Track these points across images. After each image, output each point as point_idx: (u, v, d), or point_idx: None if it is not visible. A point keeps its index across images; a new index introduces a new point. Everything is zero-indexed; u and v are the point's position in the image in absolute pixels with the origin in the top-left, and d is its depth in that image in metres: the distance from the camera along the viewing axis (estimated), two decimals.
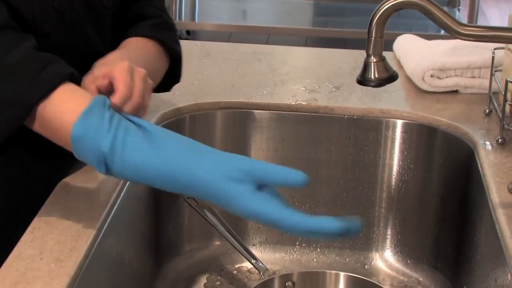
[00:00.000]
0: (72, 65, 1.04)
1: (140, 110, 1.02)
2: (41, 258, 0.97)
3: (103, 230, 1.06)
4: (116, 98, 1.00)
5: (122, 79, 1.01)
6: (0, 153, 1.02)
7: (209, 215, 1.35)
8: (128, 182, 1.16)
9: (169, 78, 1.26)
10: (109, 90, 1.02)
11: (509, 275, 1.02)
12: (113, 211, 1.11)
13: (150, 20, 1.24)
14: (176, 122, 1.40)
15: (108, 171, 0.96)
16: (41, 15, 1.07)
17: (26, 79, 1.00)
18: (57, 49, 1.07)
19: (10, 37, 1.02)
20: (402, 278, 1.44)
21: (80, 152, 0.97)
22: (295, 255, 1.48)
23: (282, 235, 1.48)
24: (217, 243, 1.47)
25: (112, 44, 1.20)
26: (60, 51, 1.07)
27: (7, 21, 1.03)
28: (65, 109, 0.98)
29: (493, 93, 1.41)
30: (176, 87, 1.31)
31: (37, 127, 1.01)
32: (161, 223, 1.39)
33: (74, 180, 1.15)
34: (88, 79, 1.04)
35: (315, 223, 0.91)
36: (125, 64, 1.03)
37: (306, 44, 4.20)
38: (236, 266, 1.44)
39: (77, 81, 1.03)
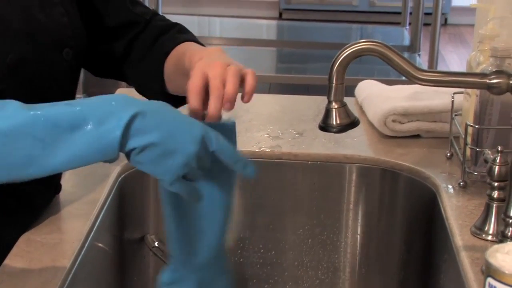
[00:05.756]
0: None
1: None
2: None
3: (67, 282, 1.05)
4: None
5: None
6: None
7: None
8: (92, 233, 1.16)
9: None
10: None
11: None
12: (77, 262, 1.10)
13: (174, 29, 1.26)
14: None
15: None
16: None
17: None
18: None
19: None
20: None
21: None
22: None
23: (248, 281, 1.47)
24: None
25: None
26: None
27: None
28: None
29: (454, 137, 1.43)
30: None
31: None
32: (126, 274, 1.37)
33: (37, 232, 1.15)
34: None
35: None
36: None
37: (269, 91, 4.22)
38: None
39: None
